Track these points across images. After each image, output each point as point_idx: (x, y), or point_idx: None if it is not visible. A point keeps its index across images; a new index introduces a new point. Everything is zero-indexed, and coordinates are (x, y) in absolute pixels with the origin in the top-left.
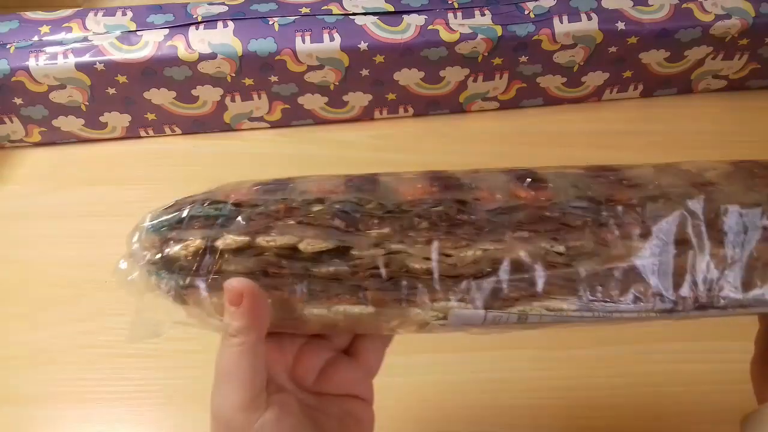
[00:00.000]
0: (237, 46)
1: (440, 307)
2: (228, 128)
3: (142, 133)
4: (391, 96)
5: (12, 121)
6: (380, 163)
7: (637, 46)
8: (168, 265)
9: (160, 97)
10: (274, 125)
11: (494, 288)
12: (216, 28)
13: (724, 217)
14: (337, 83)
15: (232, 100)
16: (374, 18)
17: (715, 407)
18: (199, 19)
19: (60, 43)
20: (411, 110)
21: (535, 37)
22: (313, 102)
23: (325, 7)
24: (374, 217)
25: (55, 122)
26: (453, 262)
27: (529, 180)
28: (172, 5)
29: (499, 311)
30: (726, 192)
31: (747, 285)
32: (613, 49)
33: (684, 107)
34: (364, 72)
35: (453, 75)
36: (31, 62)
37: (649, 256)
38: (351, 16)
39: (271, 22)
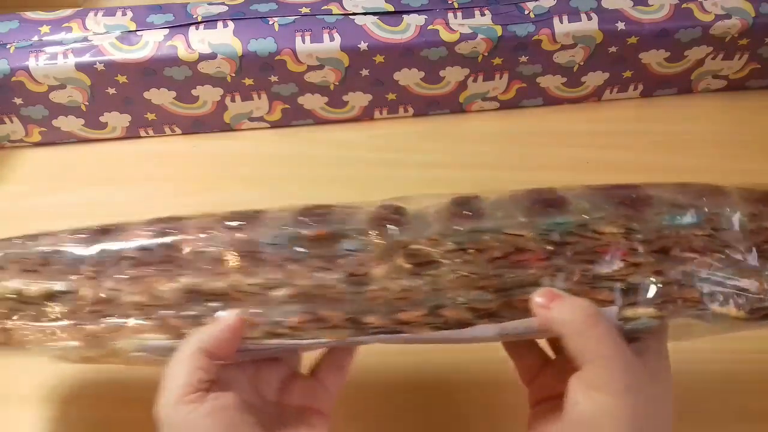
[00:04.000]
0: (237, 46)
1: (140, 338)
2: (228, 128)
3: (142, 133)
4: (391, 96)
5: (12, 121)
6: (380, 163)
7: (637, 46)
8: None
9: (160, 97)
10: (274, 125)
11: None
12: (216, 28)
13: None
14: (337, 83)
15: (232, 100)
16: (374, 18)
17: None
18: (199, 19)
19: (60, 43)
20: (411, 110)
21: (535, 37)
22: (313, 102)
23: (325, 7)
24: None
25: (55, 122)
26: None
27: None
28: (172, 5)
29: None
30: None
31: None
32: (613, 49)
33: (684, 107)
34: (364, 72)
35: (453, 75)
36: (31, 62)
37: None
38: (351, 16)
39: (271, 22)
